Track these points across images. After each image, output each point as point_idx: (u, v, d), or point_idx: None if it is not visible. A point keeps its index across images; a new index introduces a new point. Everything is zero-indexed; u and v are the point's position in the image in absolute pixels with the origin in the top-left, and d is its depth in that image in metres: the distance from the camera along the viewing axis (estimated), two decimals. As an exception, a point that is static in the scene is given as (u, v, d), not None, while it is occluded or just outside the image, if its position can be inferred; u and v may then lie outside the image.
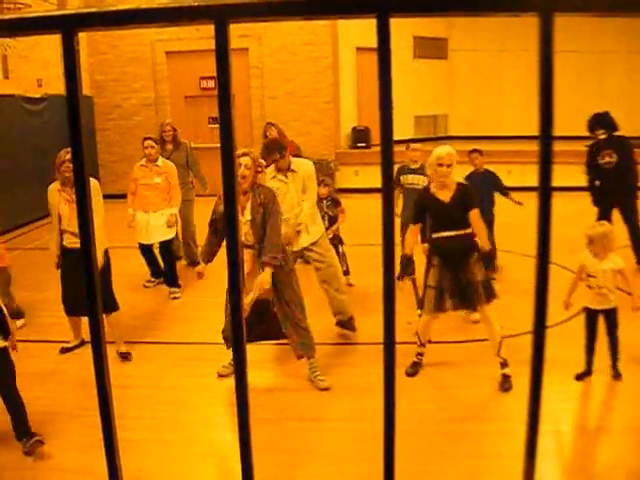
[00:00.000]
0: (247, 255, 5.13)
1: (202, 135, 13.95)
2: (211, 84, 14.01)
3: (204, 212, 5.58)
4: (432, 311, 5.31)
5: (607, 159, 8.05)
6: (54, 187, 5.85)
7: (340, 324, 6.23)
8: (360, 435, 4.29)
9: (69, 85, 0.64)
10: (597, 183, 8.16)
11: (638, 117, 8.02)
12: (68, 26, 0.61)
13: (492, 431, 4.43)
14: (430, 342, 5.50)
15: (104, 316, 3.83)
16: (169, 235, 7.79)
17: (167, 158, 8.09)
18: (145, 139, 7.76)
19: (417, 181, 7.48)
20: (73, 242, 5.72)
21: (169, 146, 8.51)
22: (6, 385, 4.32)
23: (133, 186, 7.72)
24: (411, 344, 5.60)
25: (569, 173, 8.61)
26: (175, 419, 4.80)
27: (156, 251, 8.03)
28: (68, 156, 5.61)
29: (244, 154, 5.12)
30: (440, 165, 5.16)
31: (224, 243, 5.08)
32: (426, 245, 6.67)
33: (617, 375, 5.05)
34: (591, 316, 5.09)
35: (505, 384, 5.02)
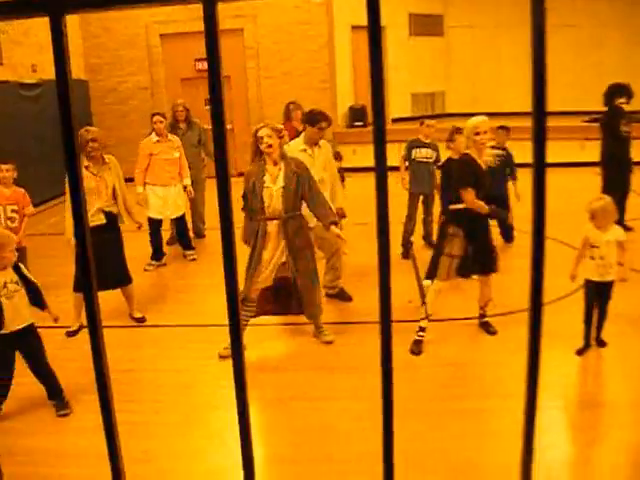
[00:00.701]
0: (272, 227, 5.28)
1: (199, 117, 13.81)
2: (206, 66, 13.92)
3: (215, 193, 5.61)
4: (446, 278, 5.40)
5: (626, 128, 8.10)
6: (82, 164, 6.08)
7: (335, 296, 6.56)
8: (362, 414, 4.31)
9: (59, 68, 0.63)
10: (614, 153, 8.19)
11: (636, 91, 7.99)
12: (56, 8, 0.60)
13: (493, 408, 4.45)
14: (430, 320, 5.51)
15: (122, 290, 5.19)
16: (183, 210, 8.18)
17: (181, 137, 8.41)
18: (154, 114, 8.02)
19: (429, 155, 7.90)
20: (95, 219, 5.96)
21: (182, 125, 8.77)
22: (37, 359, 4.61)
23: (146, 162, 7.85)
24: (412, 322, 5.62)
25: (567, 149, 8.60)
26: (179, 401, 4.83)
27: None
28: (90, 135, 5.95)
29: (261, 126, 5.26)
30: (477, 134, 5.26)
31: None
32: (431, 217, 7.63)
33: (601, 342, 5.19)
34: (591, 288, 5.13)
35: (489, 328, 5.62)
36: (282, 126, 5.56)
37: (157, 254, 8.14)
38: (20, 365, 4.62)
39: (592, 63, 16.73)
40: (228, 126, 13.53)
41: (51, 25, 0.60)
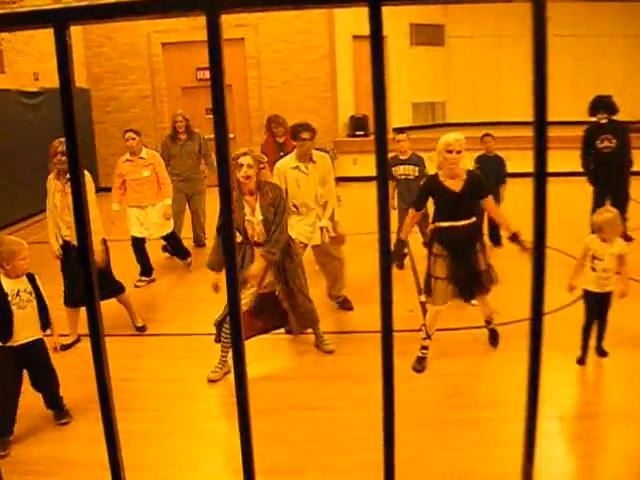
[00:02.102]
0: (259, 251, 5.11)
1: (200, 126, 13.82)
2: (208, 75, 13.76)
3: (216, 203, 5.47)
4: (443, 302, 5.23)
5: (606, 143, 7.93)
6: (52, 176, 5.86)
7: (338, 304, 6.56)
8: (363, 423, 4.30)
9: (62, 78, 0.64)
10: (591, 167, 8.14)
11: (635, 101, 7.98)
12: (60, 19, 0.60)
13: (494, 418, 4.44)
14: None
15: (115, 299, 4.28)
16: (167, 230, 7.85)
17: (180, 148, 8.47)
18: (125, 131, 7.61)
19: (408, 172, 7.53)
20: (67, 234, 5.84)
21: (182, 136, 8.64)
22: (43, 374, 4.50)
23: (118, 181, 7.55)
24: (412, 332, 5.61)
25: (568, 158, 8.61)
26: (178, 410, 4.82)
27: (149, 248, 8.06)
28: (61, 147, 5.63)
29: (244, 153, 4.98)
30: (449, 152, 4.99)
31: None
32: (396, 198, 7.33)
33: (603, 353, 5.14)
34: (591, 299, 5.06)
35: (494, 338, 5.54)
36: (265, 157, 5.37)
37: (145, 270, 7.94)
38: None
39: (592, 73, 16.77)
40: (230, 135, 13.53)
41: (55, 36, 0.61)
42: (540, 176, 0.69)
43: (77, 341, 5.99)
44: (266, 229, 5.03)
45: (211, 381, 5.17)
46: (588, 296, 5.09)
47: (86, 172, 5.59)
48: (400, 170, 7.57)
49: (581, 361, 5.12)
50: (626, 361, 5.11)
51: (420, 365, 5.29)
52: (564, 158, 9.36)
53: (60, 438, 4.47)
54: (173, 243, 8.27)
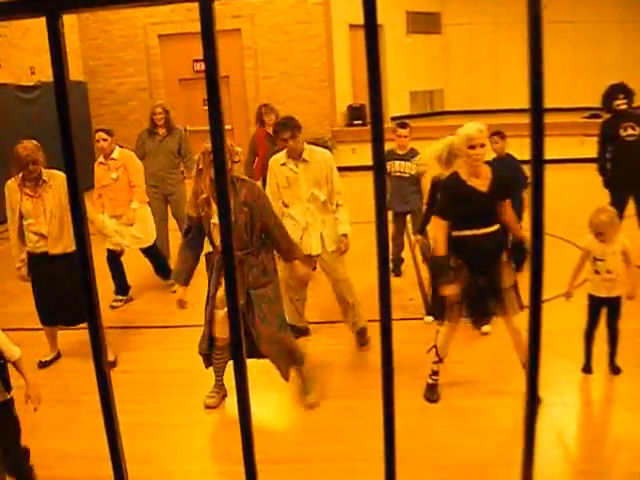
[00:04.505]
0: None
1: (197, 118, 13.88)
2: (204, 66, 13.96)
3: None
4: (457, 319, 4.58)
5: (630, 131, 7.11)
6: (13, 183, 5.26)
7: (356, 334, 5.57)
8: (363, 412, 4.31)
9: (56, 68, 0.63)
10: (608, 166, 7.23)
11: (634, 87, 7.88)
12: (52, 8, 0.60)
13: (495, 405, 4.45)
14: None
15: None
16: (147, 243, 6.95)
17: (157, 145, 7.58)
18: (95, 131, 6.76)
19: (404, 169, 6.80)
20: (39, 245, 5.28)
21: (161, 130, 7.65)
22: (6, 447, 3.52)
23: (97, 188, 6.70)
24: (413, 320, 5.62)
25: (567, 145, 8.59)
26: (180, 402, 4.83)
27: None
28: (30, 156, 5.08)
29: None
30: (472, 147, 4.26)
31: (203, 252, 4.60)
32: (419, 236, 6.04)
33: (616, 369, 4.74)
34: (595, 304, 4.67)
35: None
36: (239, 148, 4.55)
37: (121, 288, 7.01)
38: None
39: (590, 59, 16.75)
40: (227, 127, 13.53)
41: (48, 25, 0.60)
42: (537, 163, 0.68)
43: (57, 357, 5.66)
44: (238, 235, 4.27)
45: (209, 407, 4.76)
46: (593, 302, 4.69)
47: (61, 173, 5.09)
48: (395, 166, 6.82)
49: (586, 369, 4.80)
50: (628, 349, 5.10)
51: (433, 394, 4.69)
52: (562, 145, 9.31)
53: (60, 431, 4.48)
54: (153, 257, 7.20)
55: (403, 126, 6.94)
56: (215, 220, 4.27)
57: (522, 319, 4.44)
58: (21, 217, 5.26)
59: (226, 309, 4.16)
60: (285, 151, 5.29)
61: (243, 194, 4.32)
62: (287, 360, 4.59)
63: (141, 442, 4.12)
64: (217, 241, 4.36)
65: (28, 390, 3.48)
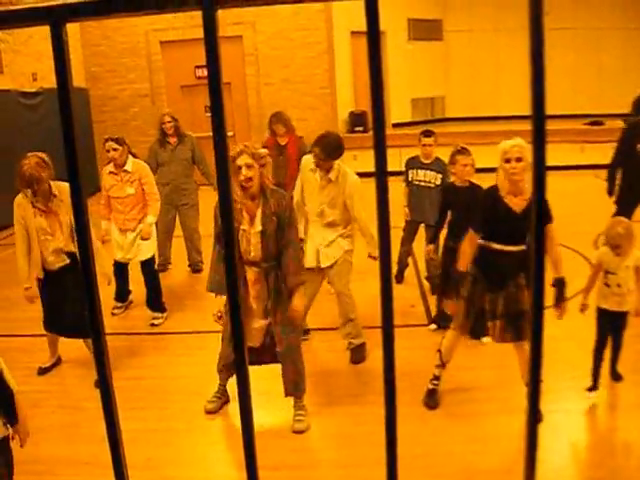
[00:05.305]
0: (252, 275, 4.37)
1: (199, 124, 13.90)
2: (207, 73, 14.00)
3: (209, 215, 4.77)
4: (463, 326, 4.55)
5: None
6: (23, 199, 5.11)
7: (351, 351, 5.52)
8: (365, 418, 4.31)
9: (59, 76, 0.64)
10: (617, 182, 6.88)
11: (634, 94, 7.83)
12: (56, 17, 0.60)
13: (496, 412, 4.45)
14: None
15: (83, 340, 4.20)
16: (150, 253, 6.57)
17: (170, 154, 7.51)
18: (105, 140, 6.40)
19: (428, 178, 6.58)
20: (59, 260, 5.17)
21: (172, 139, 7.58)
22: None
23: (105, 195, 6.44)
24: (414, 327, 5.61)
25: (568, 152, 8.60)
26: (183, 408, 4.82)
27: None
28: (35, 174, 4.93)
29: (240, 152, 4.17)
30: (507, 161, 4.16)
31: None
32: (431, 247, 6.05)
33: (617, 376, 4.66)
34: (605, 318, 4.48)
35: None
36: (265, 150, 4.44)
37: (119, 295, 6.89)
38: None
39: (591, 66, 16.77)
40: (229, 133, 13.55)
41: (52, 34, 0.61)
42: (539, 169, 0.68)
43: (57, 363, 5.63)
44: (263, 244, 4.25)
45: (209, 412, 4.78)
46: (602, 315, 4.50)
47: (64, 183, 4.94)
48: (420, 175, 6.62)
49: (593, 389, 4.60)
50: (629, 353, 5.09)
51: (431, 400, 4.67)
52: (563, 152, 9.31)
53: (61, 437, 4.48)
54: (150, 277, 6.67)
55: (427, 134, 6.68)
56: (245, 227, 4.27)
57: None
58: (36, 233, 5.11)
59: (260, 323, 4.40)
60: (313, 156, 5.25)
61: (272, 203, 4.26)
62: (299, 383, 4.57)
63: (142, 448, 4.12)
64: (243, 248, 4.31)
65: (19, 426, 3.33)
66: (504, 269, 4.31)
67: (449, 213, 5.59)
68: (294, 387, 4.54)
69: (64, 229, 5.12)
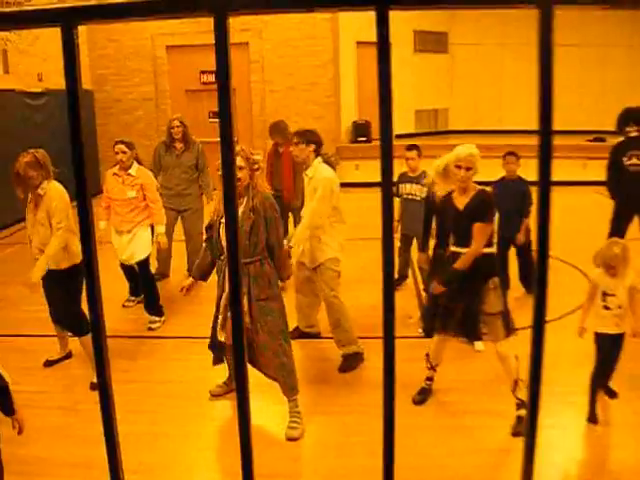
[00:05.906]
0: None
1: (203, 129, 13.93)
2: (211, 78, 14.03)
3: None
4: (444, 331, 4.70)
5: (634, 160, 6.95)
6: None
7: (344, 358, 5.52)
8: (361, 429, 4.31)
9: (69, 79, 0.64)
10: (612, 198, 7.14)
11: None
12: (67, 19, 0.60)
13: (492, 425, 4.44)
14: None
15: (79, 340, 4.09)
16: (144, 254, 6.54)
17: (175, 159, 7.53)
18: (116, 143, 6.48)
19: (415, 191, 6.71)
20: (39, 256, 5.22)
21: (179, 145, 7.58)
22: None
23: (106, 197, 6.56)
24: (411, 338, 5.60)
25: (570, 167, 8.60)
26: (175, 413, 4.81)
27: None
28: (29, 172, 5.03)
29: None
30: (458, 167, 4.39)
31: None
32: (422, 256, 5.99)
33: (612, 394, 4.60)
34: (605, 344, 4.38)
35: (518, 427, 4.25)
36: (259, 157, 4.60)
37: (135, 290, 7.11)
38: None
39: (596, 82, 16.81)
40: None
41: (63, 36, 0.61)
42: (545, 185, 0.69)
43: (67, 357, 5.75)
44: (240, 241, 4.37)
45: (213, 395, 5.01)
46: (603, 340, 4.38)
47: (52, 185, 5.09)
48: (407, 189, 6.78)
49: (592, 419, 4.49)
50: (622, 370, 5.08)
51: (421, 396, 4.85)
52: (565, 167, 9.31)
53: (54, 439, 4.46)
54: (144, 279, 6.70)
55: (410, 148, 6.84)
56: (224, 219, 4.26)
57: (516, 343, 4.44)
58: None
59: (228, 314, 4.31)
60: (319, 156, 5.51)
61: (254, 201, 4.39)
62: (286, 379, 4.55)
63: (134, 452, 4.10)
64: (224, 242, 4.34)
65: (17, 415, 3.46)
66: (468, 273, 4.42)
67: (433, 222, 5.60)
68: (289, 383, 4.57)
69: (38, 228, 5.15)
